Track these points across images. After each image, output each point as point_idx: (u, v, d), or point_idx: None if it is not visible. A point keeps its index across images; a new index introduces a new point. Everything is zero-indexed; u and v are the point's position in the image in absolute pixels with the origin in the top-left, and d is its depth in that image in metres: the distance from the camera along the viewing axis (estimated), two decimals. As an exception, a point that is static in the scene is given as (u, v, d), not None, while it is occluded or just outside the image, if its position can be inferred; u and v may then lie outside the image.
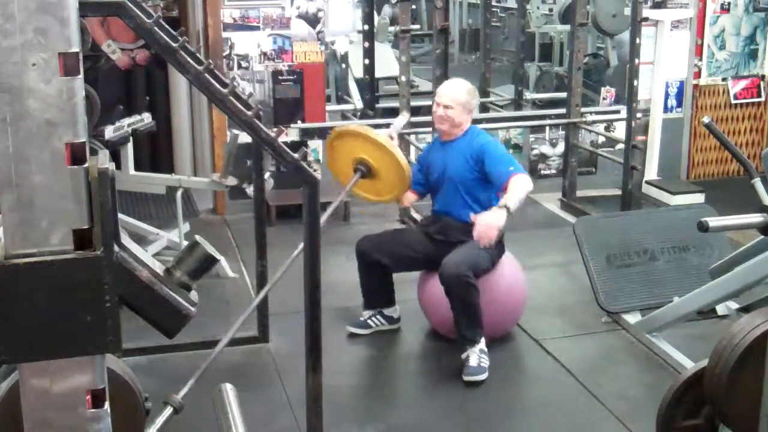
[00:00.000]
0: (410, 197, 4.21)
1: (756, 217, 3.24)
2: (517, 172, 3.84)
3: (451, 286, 3.76)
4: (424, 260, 4.06)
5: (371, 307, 4.21)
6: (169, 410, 2.58)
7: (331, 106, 7.35)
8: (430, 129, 5.65)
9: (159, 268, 1.56)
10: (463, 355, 3.81)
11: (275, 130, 2.74)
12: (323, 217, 3.39)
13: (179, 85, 6.23)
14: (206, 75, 2.66)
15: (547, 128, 6.59)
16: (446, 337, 4.08)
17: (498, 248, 4.00)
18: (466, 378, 3.75)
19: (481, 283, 3.83)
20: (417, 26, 10.10)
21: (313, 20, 6.01)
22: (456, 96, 4.01)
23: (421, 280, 4.17)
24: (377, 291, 4.18)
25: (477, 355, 3.79)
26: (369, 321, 4.20)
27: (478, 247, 3.84)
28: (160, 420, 2.51)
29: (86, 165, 1.25)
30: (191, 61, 2.65)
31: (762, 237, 3.37)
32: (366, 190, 3.68)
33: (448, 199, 4.05)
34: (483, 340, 3.83)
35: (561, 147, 6.45)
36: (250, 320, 4.11)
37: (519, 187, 3.77)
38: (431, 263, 3.99)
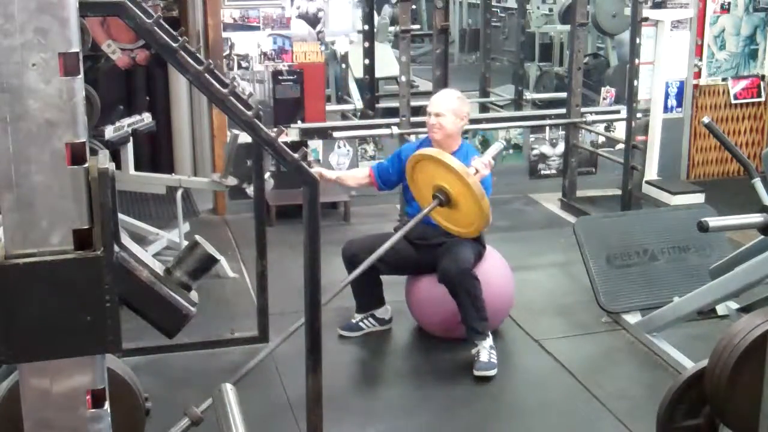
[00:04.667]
0: (364, 181, 4.26)
1: (756, 217, 3.24)
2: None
3: (457, 284, 3.79)
4: (409, 265, 4.10)
5: (363, 310, 4.23)
6: (186, 422, 2.57)
7: (331, 106, 7.35)
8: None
9: (159, 268, 1.56)
10: (474, 351, 3.86)
11: (275, 130, 2.74)
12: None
13: (179, 85, 6.23)
14: (206, 75, 2.66)
15: (547, 128, 6.58)
16: (443, 337, 4.09)
17: (479, 243, 4.04)
18: (477, 373, 3.78)
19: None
20: (417, 26, 10.09)
21: (313, 20, 6.01)
22: (446, 103, 4.02)
23: (408, 284, 4.19)
24: (368, 293, 4.19)
25: (487, 351, 3.83)
26: (360, 323, 4.21)
27: (464, 243, 3.86)
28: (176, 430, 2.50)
29: (86, 165, 1.25)
30: (191, 61, 2.66)
31: (762, 237, 3.37)
32: (443, 217, 3.67)
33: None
34: (490, 335, 3.88)
35: (561, 147, 6.45)
36: (250, 320, 4.12)
37: None
38: (416, 268, 4.06)
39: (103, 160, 1.28)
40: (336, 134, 6.04)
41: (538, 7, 8.88)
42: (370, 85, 7.22)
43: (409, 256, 4.07)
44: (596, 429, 3.47)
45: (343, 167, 6.19)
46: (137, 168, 5.27)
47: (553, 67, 9.05)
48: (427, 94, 5.89)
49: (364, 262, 4.00)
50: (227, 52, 5.84)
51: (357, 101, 7.50)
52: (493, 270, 4.11)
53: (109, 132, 4.83)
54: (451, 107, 4.00)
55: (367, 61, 6.95)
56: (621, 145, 5.89)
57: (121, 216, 4.46)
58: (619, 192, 5.92)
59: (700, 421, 2.76)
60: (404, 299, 4.23)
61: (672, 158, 6.59)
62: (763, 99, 6.94)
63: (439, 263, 3.86)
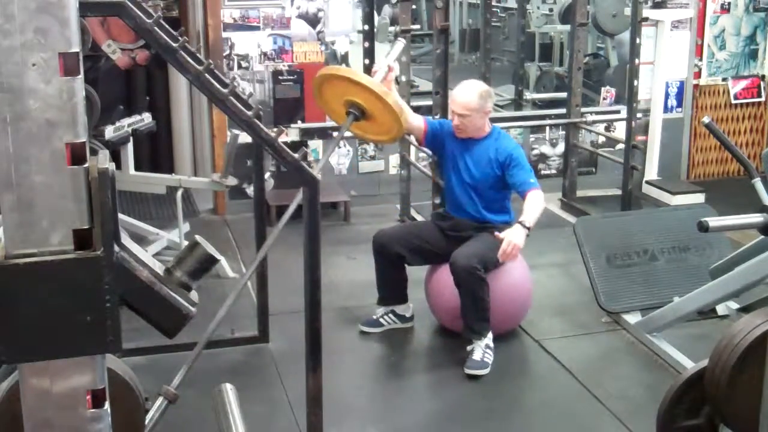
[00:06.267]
0: (420, 128, 4.14)
1: (756, 217, 3.24)
2: (535, 187, 3.90)
3: (462, 278, 3.79)
4: (438, 254, 4.08)
5: (385, 304, 4.22)
6: (163, 402, 2.57)
7: (331, 106, 7.34)
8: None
9: (159, 268, 1.56)
10: (468, 348, 3.84)
11: (275, 130, 2.74)
12: (319, 165, 3.35)
13: (179, 85, 6.23)
14: (206, 75, 2.66)
15: (547, 128, 6.59)
16: (451, 335, 4.09)
17: None
18: (467, 371, 3.77)
19: (488, 279, 3.84)
20: (417, 26, 10.06)
21: (313, 20, 6.01)
22: (468, 103, 3.96)
23: (428, 275, 4.18)
24: (393, 285, 4.18)
25: (481, 350, 3.82)
26: (381, 320, 4.21)
27: (489, 241, 3.85)
28: (155, 412, 2.50)
29: (86, 165, 1.25)
30: (191, 61, 2.66)
31: (762, 237, 3.37)
32: (363, 130, 3.58)
33: (461, 195, 4.07)
34: (490, 335, 3.86)
35: (561, 147, 6.45)
36: (250, 320, 4.12)
37: (537, 204, 3.85)
38: (445, 258, 4.00)
39: (103, 160, 1.28)
40: (336, 134, 6.04)
41: (538, 7, 8.87)
42: (370, 85, 7.20)
43: (439, 245, 4.07)
44: (596, 429, 3.47)
45: (343, 167, 6.19)
46: (137, 168, 5.27)
47: (553, 67, 9.04)
48: (428, 94, 5.91)
49: (395, 251, 4.01)
50: (227, 52, 5.84)
51: (357, 101, 7.48)
52: (514, 274, 4.06)
53: (109, 132, 4.83)
54: (473, 107, 3.95)
55: (367, 61, 6.94)
56: (621, 145, 5.89)
57: (121, 216, 4.46)
58: (619, 192, 5.92)
59: (700, 421, 2.76)
60: (422, 298, 4.22)
61: (672, 158, 6.59)
62: (763, 99, 6.94)
63: (455, 251, 3.86)
